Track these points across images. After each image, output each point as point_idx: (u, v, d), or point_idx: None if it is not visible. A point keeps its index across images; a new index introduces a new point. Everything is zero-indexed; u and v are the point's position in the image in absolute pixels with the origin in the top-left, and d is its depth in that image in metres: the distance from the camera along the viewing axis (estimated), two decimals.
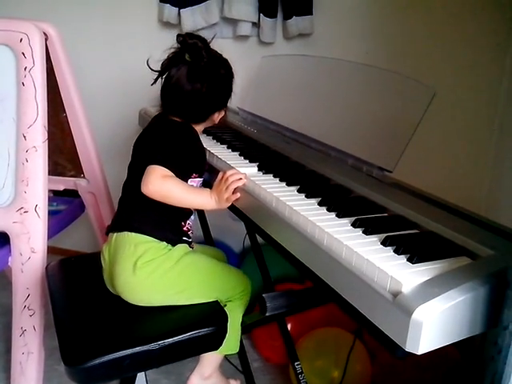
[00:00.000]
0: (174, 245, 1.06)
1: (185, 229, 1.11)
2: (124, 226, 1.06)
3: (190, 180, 1.09)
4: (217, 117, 1.17)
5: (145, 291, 1.04)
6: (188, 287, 1.06)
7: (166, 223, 1.07)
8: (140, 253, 1.02)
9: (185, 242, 1.10)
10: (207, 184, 1.13)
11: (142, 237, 1.03)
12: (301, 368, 1.38)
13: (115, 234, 1.07)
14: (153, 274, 1.03)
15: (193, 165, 1.09)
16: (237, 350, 1.11)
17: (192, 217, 1.14)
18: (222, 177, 1.02)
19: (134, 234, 1.04)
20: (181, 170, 1.04)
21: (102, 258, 1.11)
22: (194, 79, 1.08)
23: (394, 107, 1.10)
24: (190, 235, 1.13)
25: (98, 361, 0.91)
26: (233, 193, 1.01)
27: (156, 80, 1.09)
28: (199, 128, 1.16)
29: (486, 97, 1.53)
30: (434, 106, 0.99)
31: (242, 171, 1.04)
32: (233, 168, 1.07)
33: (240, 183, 1.00)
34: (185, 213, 1.10)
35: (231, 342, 1.07)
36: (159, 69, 1.09)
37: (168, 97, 1.11)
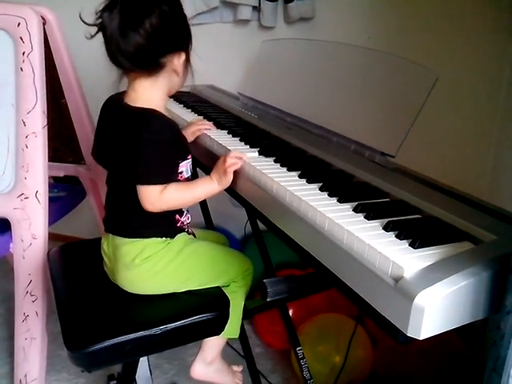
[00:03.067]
0: (172, 237, 1.05)
1: (179, 224, 1.08)
2: (118, 230, 1.05)
3: (179, 169, 1.05)
4: (177, 63, 0.99)
5: (146, 284, 1.04)
6: (190, 277, 1.06)
7: (160, 219, 1.04)
8: (138, 251, 1.02)
9: (184, 231, 1.09)
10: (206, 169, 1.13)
11: (139, 240, 1.02)
12: (302, 353, 1.39)
13: (111, 235, 1.07)
14: (153, 268, 1.02)
15: (175, 157, 1.02)
16: (237, 334, 1.11)
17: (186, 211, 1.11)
18: (222, 158, 1.03)
19: (129, 239, 1.03)
20: (167, 171, 0.99)
21: (102, 251, 1.10)
22: (130, 21, 0.91)
23: (396, 91, 1.09)
24: (188, 227, 1.11)
25: (100, 345, 0.91)
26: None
27: (95, 34, 0.94)
28: (162, 88, 1.01)
29: (490, 81, 1.51)
30: (437, 90, 0.98)
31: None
32: None
33: (240, 162, 1.01)
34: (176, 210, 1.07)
35: (232, 327, 1.08)
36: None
37: (111, 49, 0.93)
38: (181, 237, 1.07)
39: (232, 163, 1.00)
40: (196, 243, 1.10)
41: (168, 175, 0.98)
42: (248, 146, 1.14)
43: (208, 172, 1.15)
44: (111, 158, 1.05)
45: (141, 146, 0.94)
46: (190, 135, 1.22)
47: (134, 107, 0.99)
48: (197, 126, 1.25)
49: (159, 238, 1.03)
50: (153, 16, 0.92)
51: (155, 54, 0.95)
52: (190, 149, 1.08)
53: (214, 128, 1.26)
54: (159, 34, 0.93)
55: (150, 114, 0.97)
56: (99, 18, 0.91)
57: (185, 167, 1.06)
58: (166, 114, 1.01)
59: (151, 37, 0.92)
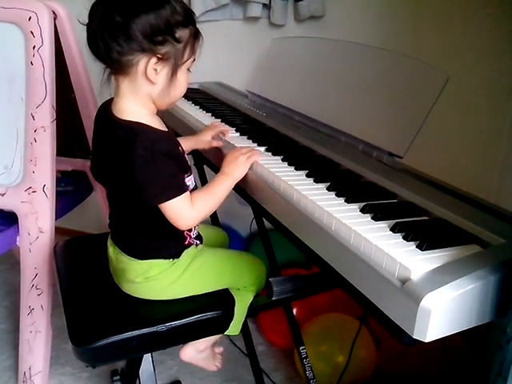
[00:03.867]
0: (179, 256, 1.03)
1: (187, 241, 1.04)
2: (123, 248, 1.03)
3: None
4: (143, 67, 0.88)
5: (150, 297, 1.04)
6: (197, 291, 1.05)
7: (167, 240, 1.02)
8: (142, 271, 1.00)
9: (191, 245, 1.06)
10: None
11: (144, 261, 1.00)
12: (306, 353, 1.39)
13: (117, 247, 1.05)
14: (158, 286, 1.02)
15: (176, 168, 0.93)
16: (237, 332, 1.10)
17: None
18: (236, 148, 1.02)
19: (134, 259, 1.01)
20: (176, 181, 0.92)
21: (108, 252, 1.09)
22: (104, 16, 0.86)
23: (406, 92, 1.08)
24: (197, 242, 1.08)
25: (105, 341, 0.92)
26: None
27: None
28: (143, 97, 0.93)
29: (500, 82, 1.50)
30: (445, 91, 0.97)
31: None
32: None
33: (258, 155, 1.01)
34: None
35: (235, 325, 1.07)
36: None
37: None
38: (187, 253, 1.04)
39: (251, 153, 1.00)
40: (202, 257, 1.06)
41: (179, 185, 0.91)
42: (256, 144, 1.14)
43: (213, 168, 1.15)
44: (108, 177, 0.99)
45: (135, 168, 0.86)
46: (205, 143, 1.17)
47: (120, 120, 0.92)
48: (213, 132, 1.18)
49: (164, 260, 1.01)
50: (120, 12, 0.85)
51: (116, 49, 0.87)
52: (189, 164, 1.00)
53: (229, 133, 1.20)
54: (120, 29, 0.85)
55: (136, 129, 0.89)
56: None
57: (190, 181, 1.00)
58: (158, 126, 0.95)
59: (111, 31, 0.86)
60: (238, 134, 1.22)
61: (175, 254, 1.02)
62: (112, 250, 1.07)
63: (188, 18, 0.91)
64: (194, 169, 1.52)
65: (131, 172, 0.87)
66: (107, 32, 0.86)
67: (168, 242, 1.01)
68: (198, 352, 1.21)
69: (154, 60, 0.88)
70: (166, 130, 0.98)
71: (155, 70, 0.89)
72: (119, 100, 0.94)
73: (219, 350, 1.33)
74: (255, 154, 1.01)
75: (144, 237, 1.00)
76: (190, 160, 1.14)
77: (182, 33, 0.89)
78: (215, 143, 1.15)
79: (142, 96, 0.93)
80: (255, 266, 1.13)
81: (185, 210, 0.92)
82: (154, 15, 0.86)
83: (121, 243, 1.04)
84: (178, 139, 1.07)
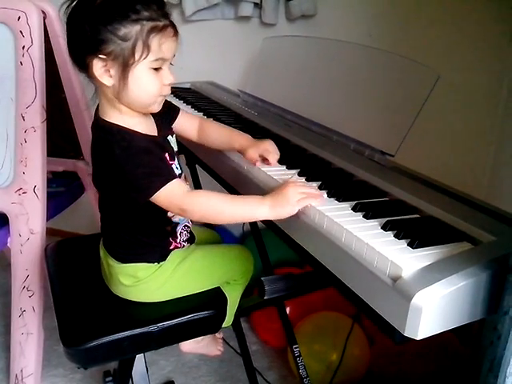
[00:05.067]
0: (164, 259, 1.01)
1: (173, 246, 1.02)
2: (110, 250, 1.02)
3: None
4: (94, 68, 0.84)
5: (140, 299, 1.03)
6: (190, 290, 1.05)
7: (152, 246, 1.00)
8: (129, 275, 1.00)
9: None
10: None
11: (129, 265, 0.99)
12: (299, 351, 1.39)
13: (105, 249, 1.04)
14: (147, 290, 1.01)
15: (158, 159, 0.89)
16: (230, 323, 1.10)
17: (182, 228, 1.04)
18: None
19: (119, 263, 1.00)
20: (159, 171, 0.87)
21: (100, 251, 1.08)
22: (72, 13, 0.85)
23: (397, 90, 1.08)
24: (185, 243, 1.05)
25: (96, 342, 0.91)
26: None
27: None
28: (110, 99, 0.89)
29: (490, 81, 1.51)
30: (436, 89, 0.97)
31: None
32: None
33: (317, 201, 0.82)
34: (168, 232, 1.00)
35: (227, 317, 1.07)
36: None
37: None
38: (173, 255, 1.02)
39: (308, 194, 0.83)
40: (191, 257, 1.04)
41: (166, 173, 0.87)
42: None
43: (205, 167, 1.14)
44: (97, 179, 0.96)
45: (118, 169, 0.85)
46: (252, 156, 1.01)
47: (102, 121, 0.91)
48: (264, 153, 1.00)
49: (150, 264, 1.00)
50: (68, 18, 0.85)
51: (76, 50, 0.87)
52: (172, 172, 0.91)
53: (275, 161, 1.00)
54: (75, 31, 0.85)
55: (113, 130, 0.89)
56: None
57: None
58: (143, 130, 0.91)
59: (73, 33, 0.86)
60: None
61: (160, 258, 1.01)
62: (102, 253, 1.06)
63: (138, 14, 0.82)
64: (186, 169, 1.52)
65: (116, 173, 0.86)
66: (69, 30, 0.86)
67: (152, 248, 1.00)
68: (196, 342, 1.23)
69: (100, 61, 0.84)
70: (155, 134, 0.95)
71: (107, 70, 0.85)
72: (99, 104, 0.93)
73: (219, 334, 1.33)
74: (313, 197, 0.82)
75: (129, 241, 0.99)
76: (182, 160, 1.14)
77: (129, 30, 0.82)
78: (254, 163, 1.00)
79: (110, 99, 0.89)
80: (243, 254, 1.14)
81: (178, 192, 0.86)
82: (94, 15, 0.82)
83: (108, 246, 1.04)
84: (227, 130, 1.10)
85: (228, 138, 1.07)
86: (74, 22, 0.85)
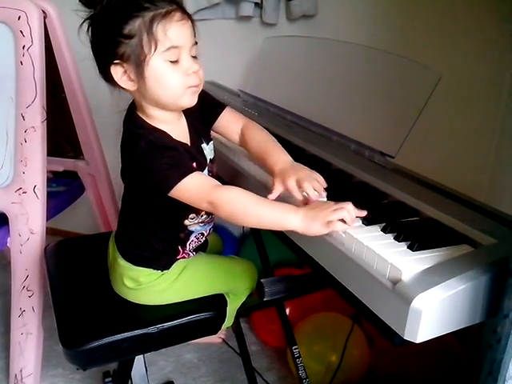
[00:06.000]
0: (169, 267, 1.00)
1: (180, 256, 1.01)
2: (119, 246, 1.02)
3: None
4: (114, 76, 0.85)
5: (143, 303, 1.02)
6: (190, 296, 1.04)
7: (160, 252, 0.99)
8: (131, 277, 0.99)
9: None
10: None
11: (133, 267, 0.99)
12: (298, 352, 1.39)
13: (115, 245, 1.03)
14: (147, 295, 1.01)
15: (186, 159, 0.87)
16: (230, 324, 1.09)
17: (195, 237, 1.01)
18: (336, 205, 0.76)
19: (126, 263, 0.99)
20: (180, 163, 0.84)
21: (109, 244, 1.07)
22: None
23: (398, 91, 1.08)
24: (193, 253, 1.04)
25: (96, 343, 0.91)
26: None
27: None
28: (138, 105, 0.90)
29: (491, 82, 1.50)
30: (437, 91, 0.97)
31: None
32: None
33: (353, 223, 0.74)
34: (180, 239, 0.98)
35: (227, 318, 1.06)
36: None
37: None
38: (177, 264, 1.01)
39: (340, 216, 0.73)
40: (194, 265, 1.03)
41: (188, 167, 0.84)
42: None
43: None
44: (123, 173, 0.93)
45: (141, 160, 0.83)
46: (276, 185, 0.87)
47: (133, 116, 0.90)
48: (290, 191, 0.84)
49: (154, 270, 0.99)
50: (92, 24, 0.85)
51: (100, 64, 0.87)
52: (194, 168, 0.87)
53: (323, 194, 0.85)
54: (93, 43, 0.86)
55: (144, 126, 0.88)
56: None
57: None
58: (175, 136, 0.89)
59: (92, 46, 0.87)
60: None
61: (165, 267, 1.00)
62: (111, 247, 1.05)
63: (138, 8, 0.81)
64: None
65: (137, 166, 0.84)
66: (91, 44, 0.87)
67: (160, 254, 0.99)
68: None
69: (117, 66, 0.83)
70: (186, 142, 0.92)
71: (128, 75, 0.84)
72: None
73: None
74: (346, 219, 0.73)
75: (139, 242, 0.98)
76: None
77: (131, 26, 0.81)
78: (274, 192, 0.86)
79: (140, 106, 0.88)
80: (248, 272, 1.11)
81: (205, 184, 0.82)
82: (101, 23, 0.83)
83: (119, 242, 1.02)
84: (266, 149, 0.96)
85: (261, 153, 0.96)
86: (91, 37, 0.85)
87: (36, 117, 1.32)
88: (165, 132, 0.88)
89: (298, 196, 0.83)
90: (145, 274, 0.99)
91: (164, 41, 0.81)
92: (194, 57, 0.86)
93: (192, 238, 1.00)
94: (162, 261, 1.00)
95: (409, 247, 0.69)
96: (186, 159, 0.86)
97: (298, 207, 0.78)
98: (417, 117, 0.98)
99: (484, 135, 1.54)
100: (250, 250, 1.64)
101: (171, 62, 0.83)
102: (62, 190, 1.73)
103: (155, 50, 0.81)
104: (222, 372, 1.63)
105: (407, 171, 1.00)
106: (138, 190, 0.92)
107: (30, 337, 1.44)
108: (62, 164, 1.74)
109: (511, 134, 1.43)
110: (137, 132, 0.86)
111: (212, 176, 0.97)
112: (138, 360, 1.31)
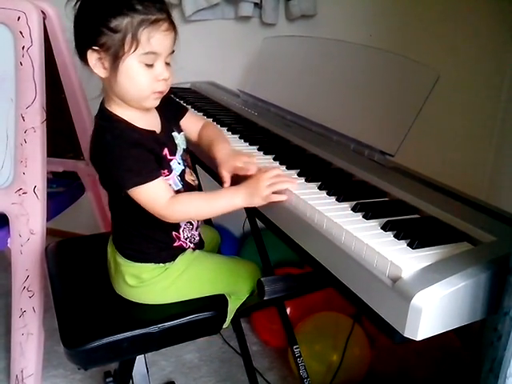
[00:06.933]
0: (170, 260, 1.01)
1: (178, 243, 1.01)
2: (118, 247, 1.02)
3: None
4: (90, 59, 0.88)
5: (145, 302, 1.02)
6: (192, 295, 1.04)
7: (157, 243, 0.99)
8: (134, 275, 1.00)
9: (185, 249, 1.03)
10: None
11: (135, 264, 0.99)
12: (299, 352, 1.39)
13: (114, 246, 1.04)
14: (150, 292, 1.01)
15: (151, 160, 0.90)
16: (228, 325, 1.09)
17: (184, 224, 1.02)
18: (271, 174, 0.88)
19: (127, 261, 1.00)
20: (145, 167, 0.88)
21: (108, 248, 1.07)
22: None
23: (397, 90, 1.08)
24: (191, 244, 1.05)
25: (97, 343, 0.91)
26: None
27: None
28: (108, 91, 0.92)
29: (491, 80, 1.51)
30: (437, 89, 0.97)
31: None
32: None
33: (290, 185, 0.87)
34: (171, 224, 0.96)
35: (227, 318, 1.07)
36: None
37: None
38: (180, 259, 1.02)
39: (277, 183, 0.87)
40: (197, 263, 1.04)
41: (150, 171, 0.88)
42: (247, 144, 1.14)
43: (205, 168, 1.13)
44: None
45: (104, 154, 0.87)
46: (222, 174, 0.98)
47: (102, 111, 0.94)
48: (236, 171, 0.97)
49: (156, 264, 0.99)
50: (81, 4, 0.88)
51: (77, 42, 0.90)
52: (155, 174, 0.90)
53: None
54: (77, 22, 0.89)
55: (112, 118, 0.91)
56: None
57: (170, 180, 0.95)
58: (142, 125, 0.92)
59: (75, 24, 0.90)
60: (230, 134, 1.22)
61: (166, 259, 1.00)
62: (110, 250, 1.06)
63: (130, 7, 0.84)
64: None
65: (101, 158, 0.88)
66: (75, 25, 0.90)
67: (157, 244, 0.99)
68: None
69: (94, 52, 0.87)
70: (156, 130, 0.96)
71: (102, 63, 0.87)
72: (104, 95, 0.95)
73: None
74: (284, 183, 0.88)
75: (134, 236, 0.99)
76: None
77: (119, 22, 0.84)
78: (223, 181, 0.98)
79: (109, 93, 0.92)
80: (252, 274, 1.11)
81: (160, 197, 0.89)
82: (90, 9, 0.86)
83: (116, 242, 1.03)
84: (214, 141, 1.04)
85: (208, 145, 1.06)
86: (76, 17, 0.88)
87: (36, 117, 1.32)
88: (131, 123, 0.91)
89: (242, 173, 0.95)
90: (147, 270, 0.99)
91: (145, 45, 0.85)
92: (168, 63, 0.90)
93: (181, 224, 1.01)
94: (161, 252, 1.00)
95: (409, 245, 0.68)
96: (150, 160, 0.90)
97: (237, 187, 0.91)
98: (416, 115, 0.98)
99: (484, 133, 1.55)
100: (251, 249, 1.64)
101: (146, 64, 0.87)
102: (62, 191, 1.73)
103: (134, 50, 0.85)
104: (222, 372, 1.64)
105: (407, 170, 1.00)
106: (105, 182, 0.95)
107: (30, 337, 1.44)
108: (61, 165, 1.74)
109: (511, 132, 1.44)
110: (103, 125, 0.91)
111: (187, 166, 1.01)
112: (139, 360, 1.31)
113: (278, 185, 0.87)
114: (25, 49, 1.29)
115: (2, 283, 1.97)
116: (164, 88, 0.91)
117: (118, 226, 1.03)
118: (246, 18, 1.84)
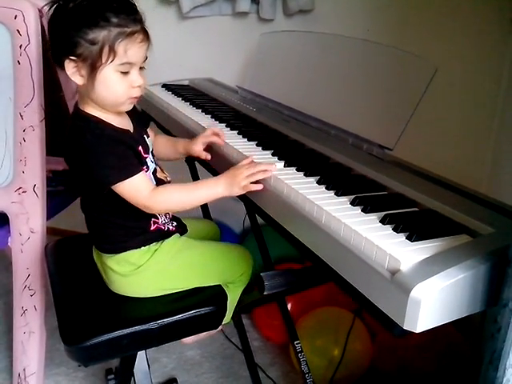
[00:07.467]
0: (156, 241, 1.02)
1: (154, 227, 1.02)
2: (98, 246, 1.04)
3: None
4: (67, 68, 0.90)
5: (137, 292, 1.03)
6: (188, 284, 1.05)
7: (131, 229, 1.00)
8: (121, 266, 1.00)
9: (167, 234, 1.05)
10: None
11: (118, 255, 1.00)
12: (301, 347, 1.39)
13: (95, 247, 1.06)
14: (143, 279, 1.01)
15: (131, 156, 0.95)
16: (229, 320, 1.10)
17: None
18: (246, 163, 0.94)
19: (109, 255, 1.01)
20: (125, 163, 0.92)
21: (93, 253, 1.09)
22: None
23: (394, 84, 1.08)
24: (169, 228, 1.06)
25: (97, 340, 0.91)
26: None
27: None
28: (85, 96, 0.95)
29: (490, 75, 1.50)
30: (435, 83, 0.97)
31: (240, 150, 1.03)
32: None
33: (266, 175, 0.90)
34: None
35: (226, 314, 1.07)
36: None
37: None
38: (167, 243, 1.04)
39: (256, 173, 0.91)
40: (189, 249, 1.06)
41: (132, 166, 0.93)
42: (246, 139, 1.14)
43: (204, 164, 1.13)
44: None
45: (85, 153, 0.91)
46: (196, 152, 1.11)
47: (78, 112, 0.96)
48: (206, 139, 1.10)
49: (140, 249, 1.00)
50: (57, 14, 0.90)
51: (54, 51, 0.93)
52: (137, 168, 0.94)
53: (223, 141, 1.09)
54: (53, 32, 0.92)
55: (89, 118, 0.94)
56: None
57: (148, 177, 0.99)
58: (117, 124, 0.96)
59: (51, 34, 0.93)
60: (229, 129, 1.22)
61: (146, 242, 1.01)
62: (95, 253, 1.08)
63: (106, 20, 0.87)
64: (184, 165, 1.52)
65: (82, 158, 0.91)
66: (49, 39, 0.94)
67: (132, 230, 1.01)
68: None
69: (71, 62, 0.89)
70: (130, 129, 0.99)
71: (79, 71, 0.90)
72: (78, 98, 0.99)
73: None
74: (261, 173, 0.91)
75: (110, 228, 1.01)
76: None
77: (96, 34, 0.87)
78: (204, 156, 1.10)
79: (85, 97, 0.95)
80: (243, 257, 1.14)
81: (143, 189, 0.93)
82: (67, 19, 0.88)
83: (96, 241, 1.05)
84: (172, 139, 1.15)
85: (171, 146, 1.16)
86: (52, 25, 0.92)
87: (34, 116, 1.32)
88: (109, 123, 0.95)
89: (207, 157, 1.10)
90: (134, 256, 1.00)
91: (122, 57, 0.89)
92: (142, 67, 0.94)
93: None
94: (138, 237, 1.01)
95: (407, 238, 0.68)
96: (130, 156, 0.94)
97: (218, 177, 0.96)
98: (414, 109, 0.98)
99: (483, 126, 1.54)
100: (251, 245, 1.64)
101: (122, 72, 0.91)
102: (62, 189, 1.72)
103: (111, 61, 0.89)
104: (224, 368, 1.64)
105: (406, 163, 1.00)
106: (86, 183, 0.97)
107: (32, 336, 1.45)
108: (61, 163, 1.73)
109: (510, 124, 1.43)
110: (81, 125, 0.94)
111: (157, 165, 1.05)
112: (141, 357, 1.32)
113: (255, 175, 0.91)
114: (22, 47, 1.28)
115: (2, 282, 1.97)
116: (139, 94, 0.96)
117: (93, 225, 1.04)
118: (244, 14, 1.84)
